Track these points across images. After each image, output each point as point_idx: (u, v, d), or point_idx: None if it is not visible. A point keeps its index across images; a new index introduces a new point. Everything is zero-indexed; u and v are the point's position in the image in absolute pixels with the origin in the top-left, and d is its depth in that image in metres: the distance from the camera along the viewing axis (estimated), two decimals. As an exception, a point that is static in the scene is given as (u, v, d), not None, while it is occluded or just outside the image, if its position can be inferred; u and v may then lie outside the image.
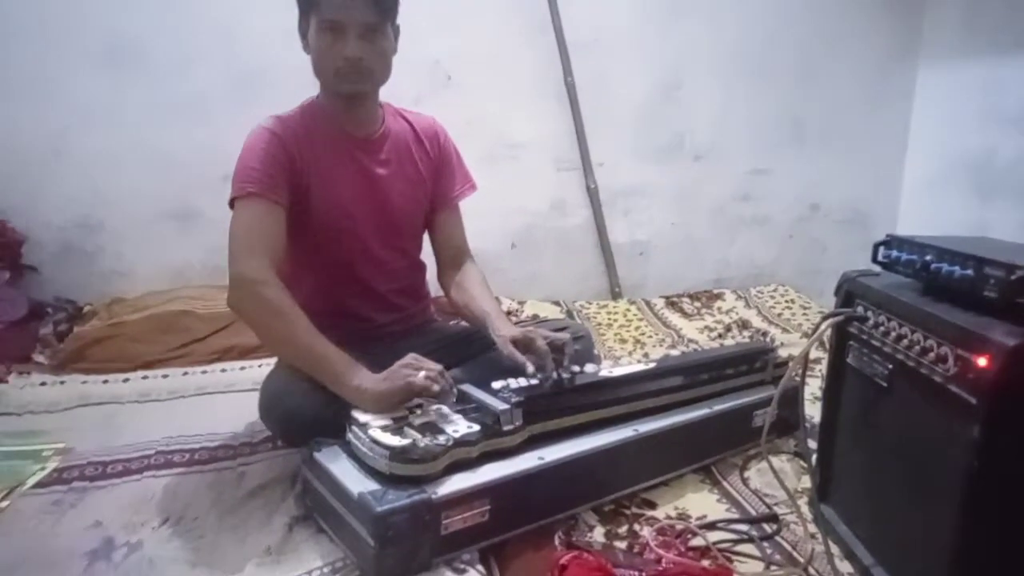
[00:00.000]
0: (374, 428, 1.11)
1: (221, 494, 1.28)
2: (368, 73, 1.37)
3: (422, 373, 1.19)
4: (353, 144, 1.46)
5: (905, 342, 1.01)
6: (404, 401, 1.20)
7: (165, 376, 1.88)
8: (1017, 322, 0.87)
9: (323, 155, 1.42)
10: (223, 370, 1.93)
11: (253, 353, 1.99)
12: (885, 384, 1.07)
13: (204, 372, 1.91)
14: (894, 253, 1.11)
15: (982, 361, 0.86)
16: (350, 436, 1.15)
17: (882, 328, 1.07)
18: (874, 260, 1.15)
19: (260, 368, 1.86)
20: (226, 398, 1.75)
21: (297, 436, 1.27)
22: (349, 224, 1.46)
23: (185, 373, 1.91)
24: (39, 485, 1.33)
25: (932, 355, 0.95)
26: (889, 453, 1.07)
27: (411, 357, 1.23)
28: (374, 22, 1.33)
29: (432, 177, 1.58)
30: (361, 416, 1.16)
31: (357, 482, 1.07)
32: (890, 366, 1.06)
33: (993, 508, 0.86)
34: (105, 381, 1.85)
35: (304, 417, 1.23)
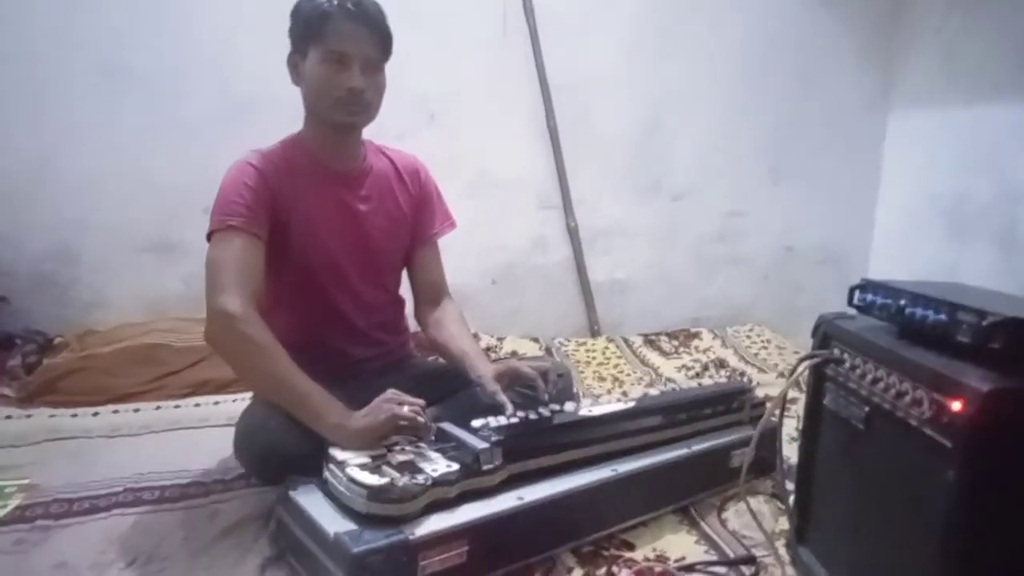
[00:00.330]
0: (351, 466, 1.10)
1: (192, 533, 1.25)
2: (366, 106, 1.40)
3: (404, 408, 1.18)
4: (335, 180, 1.47)
5: (881, 385, 1.02)
6: (384, 438, 1.18)
7: (136, 410, 1.85)
8: (990, 367, 0.88)
9: (304, 190, 1.43)
10: (197, 404, 1.89)
11: (228, 388, 1.96)
12: (862, 426, 1.08)
13: (177, 407, 1.88)
14: (869, 296, 1.13)
15: (956, 405, 0.87)
16: (327, 474, 1.14)
17: (859, 371, 1.09)
18: (850, 303, 1.17)
19: (235, 403, 1.83)
20: (199, 433, 1.72)
21: (272, 473, 1.25)
22: (329, 259, 1.46)
23: (158, 407, 1.87)
24: (0, 523, 1.29)
25: (908, 398, 0.96)
26: (867, 495, 1.08)
27: (391, 392, 1.22)
28: (377, 57, 1.38)
29: (412, 214, 1.59)
30: (339, 454, 1.14)
31: (333, 521, 1.05)
32: (867, 408, 1.07)
33: (972, 551, 0.87)
34: (74, 415, 1.80)
35: (280, 454, 1.21)
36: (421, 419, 1.19)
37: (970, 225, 2.47)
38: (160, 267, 2.28)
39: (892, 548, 1.01)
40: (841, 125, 2.90)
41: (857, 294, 1.16)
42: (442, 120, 2.47)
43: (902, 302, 1.05)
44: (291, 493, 1.14)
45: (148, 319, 2.23)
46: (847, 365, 1.12)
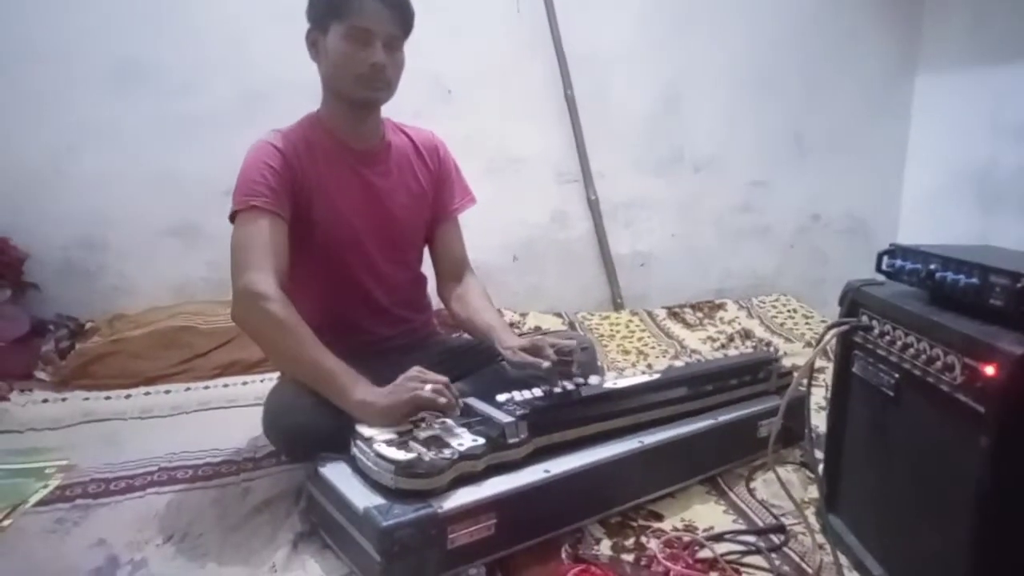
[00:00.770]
0: (379, 442, 1.11)
1: (225, 510, 1.28)
2: (387, 83, 1.40)
3: (428, 386, 1.18)
4: (355, 157, 1.47)
5: (911, 351, 1.01)
6: (409, 415, 1.19)
7: (167, 392, 1.88)
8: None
9: (325, 168, 1.43)
10: (225, 385, 1.92)
11: (256, 368, 1.98)
12: (892, 393, 1.06)
13: (206, 387, 1.91)
14: (898, 262, 1.11)
15: (989, 370, 0.85)
16: (355, 451, 1.15)
17: (888, 337, 1.07)
18: (878, 269, 1.15)
19: (263, 383, 1.86)
20: (229, 413, 1.75)
21: (301, 451, 1.27)
22: (352, 237, 1.46)
23: (187, 389, 1.90)
24: (41, 503, 1.33)
25: (939, 364, 0.95)
26: (897, 463, 1.07)
27: (416, 370, 1.22)
28: (399, 34, 1.38)
29: (432, 190, 1.59)
30: (366, 430, 1.15)
31: (362, 497, 1.06)
32: (896, 375, 1.05)
33: (1005, 517, 0.86)
34: (107, 397, 1.84)
35: (308, 432, 1.22)
36: (442, 400, 1.18)
37: (1000, 192, 2.41)
38: (184, 252, 2.31)
39: (923, 515, 1.00)
40: (867, 92, 2.83)
41: (886, 259, 1.14)
42: (459, 97, 2.45)
43: (932, 266, 1.03)
44: (320, 469, 1.16)
45: (175, 303, 2.26)
46: (876, 332, 1.10)
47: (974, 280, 0.95)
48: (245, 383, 1.93)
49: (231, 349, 2.03)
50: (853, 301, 1.17)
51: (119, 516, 1.28)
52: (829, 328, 1.17)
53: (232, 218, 1.36)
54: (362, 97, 1.39)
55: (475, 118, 2.44)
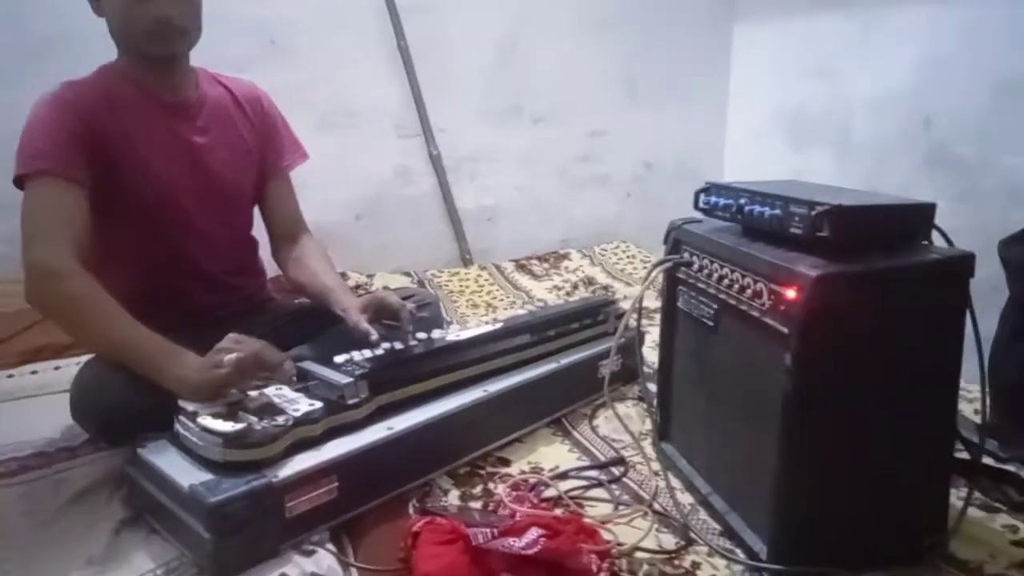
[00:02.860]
0: (204, 415, 1.03)
1: (34, 507, 1.15)
2: (182, 33, 1.27)
3: (228, 356, 1.08)
4: (165, 111, 1.34)
5: (726, 282, 1.07)
6: (225, 388, 1.10)
7: (-37, 384, 1.66)
8: (820, 255, 0.94)
9: (131, 124, 1.29)
10: (33, 372, 1.72)
11: (69, 351, 1.79)
12: (712, 324, 1.13)
13: (11, 376, 1.70)
14: (712, 199, 1.17)
15: (791, 293, 0.92)
16: (178, 427, 1.07)
17: (706, 271, 1.13)
18: (696, 207, 1.20)
19: (78, 367, 1.66)
20: (39, 402, 1.57)
21: (116, 434, 1.16)
22: (168, 198, 1.34)
23: (-12, 379, 1.69)
24: None
25: (749, 292, 1.01)
26: (718, 387, 1.14)
27: (230, 339, 1.13)
28: None
29: (258, 145, 1.49)
30: (189, 405, 1.07)
31: (188, 474, 0.99)
32: (715, 306, 1.12)
33: (807, 428, 0.94)
34: None
35: (123, 412, 1.12)
36: (259, 372, 1.11)
37: (810, 131, 2.62)
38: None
39: (740, 432, 1.07)
40: (691, 40, 2.96)
41: (702, 198, 1.19)
42: (284, 47, 2.30)
43: (742, 201, 1.09)
44: (140, 451, 1.07)
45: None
46: (696, 267, 1.16)
47: (777, 211, 1.02)
48: (57, 368, 1.74)
49: (39, 332, 1.82)
50: (675, 239, 1.23)
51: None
52: (654, 266, 1.22)
53: (19, 184, 1.20)
54: (157, 53, 1.27)
55: (304, 70, 2.30)
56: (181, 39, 1.28)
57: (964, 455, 1.13)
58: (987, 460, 1.24)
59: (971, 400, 1.42)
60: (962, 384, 1.02)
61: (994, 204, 1.90)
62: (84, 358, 1.69)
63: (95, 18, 1.29)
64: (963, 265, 0.96)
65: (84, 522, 1.09)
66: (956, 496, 1.07)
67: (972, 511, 1.10)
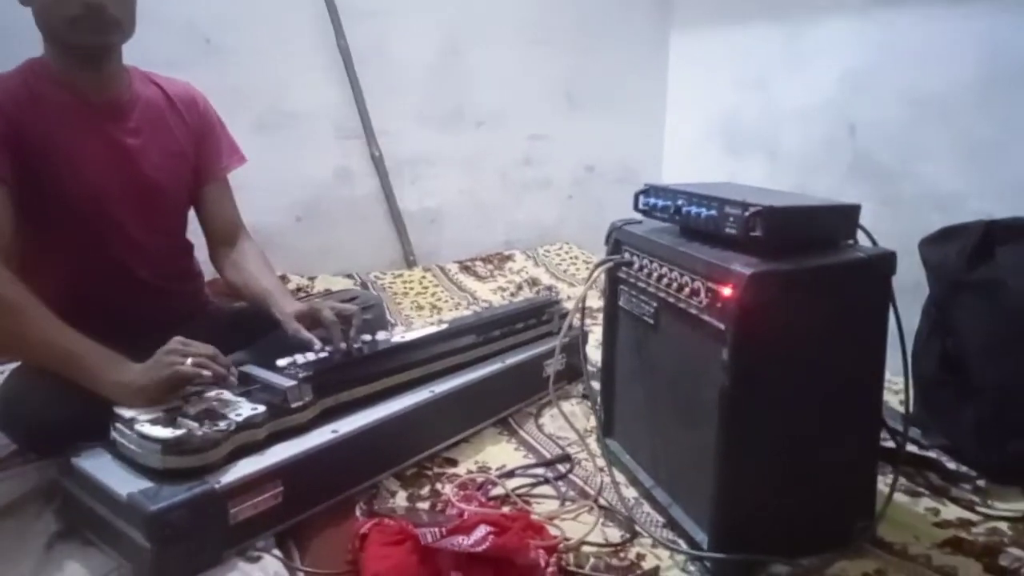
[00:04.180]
0: (142, 422, 1.01)
1: (-42, 524, 1.10)
2: (114, 23, 1.22)
3: (189, 359, 1.08)
4: (94, 111, 1.29)
5: (665, 281, 1.10)
6: (172, 392, 1.08)
7: None
8: (754, 254, 0.98)
9: (56, 124, 1.24)
10: (-45, 382, 1.64)
11: (-7, 359, 1.71)
12: (652, 321, 1.16)
13: (-71, 387, 1.62)
14: (651, 200, 1.20)
15: (727, 290, 0.96)
16: (114, 435, 1.04)
17: (646, 270, 1.16)
18: (635, 208, 1.24)
19: (2, 375, 1.61)
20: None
21: (47, 443, 1.12)
22: (97, 203, 1.29)
23: (-97, 391, 1.60)
24: None
25: (687, 290, 1.05)
26: (659, 383, 1.17)
27: (176, 341, 1.11)
28: None
29: (193, 148, 1.45)
30: (126, 411, 1.04)
31: (125, 483, 0.96)
32: (655, 304, 1.15)
33: (743, 418, 0.97)
34: None
35: (51, 421, 1.08)
36: (207, 373, 1.08)
37: (743, 138, 2.71)
38: None
39: (681, 426, 1.11)
40: (629, 49, 3.01)
41: (641, 199, 1.23)
42: (219, 46, 2.25)
43: (680, 202, 1.13)
44: (74, 460, 1.03)
45: None
46: (636, 266, 1.19)
47: (713, 212, 1.05)
48: (-19, 377, 1.66)
49: (-41, 340, 1.74)
50: (616, 240, 1.26)
51: None
52: (596, 266, 1.25)
53: None
54: (87, 43, 1.22)
55: (240, 70, 2.25)
56: (113, 30, 1.23)
57: (890, 443, 1.19)
58: (911, 448, 1.31)
59: (896, 391, 1.49)
60: (887, 376, 1.07)
61: (914, 208, 2.00)
62: (7, 367, 1.63)
63: (18, 8, 1.24)
64: (886, 263, 1.02)
65: (13, 537, 1.05)
66: (883, 483, 1.12)
67: (897, 496, 1.16)
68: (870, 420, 1.08)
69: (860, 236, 1.08)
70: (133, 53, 1.33)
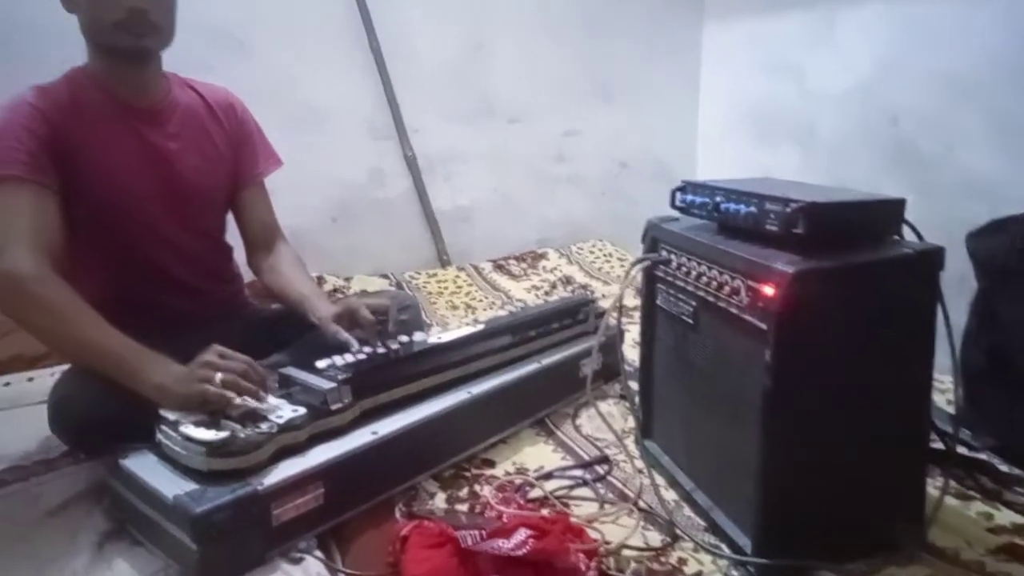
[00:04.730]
0: (186, 424, 1.02)
1: (12, 522, 1.13)
2: (154, 28, 1.25)
3: (219, 376, 1.06)
4: (134, 116, 1.32)
5: (704, 279, 1.09)
6: (213, 406, 1.07)
7: (-67, 399, 1.62)
8: (796, 251, 0.96)
9: (98, 130, 1.27)
10: (7, 384, 1.69)
11: (42, 361, 1.76)
12: (691, 321, 1.14)
13: (-18, 389, 1.67)
14: (688, 197, 1.18)
15: (768, 289, 0.94)
16: (160, 436, 1.05)
17: (684, 268, 1.15)
18: (672, 205, 1.22)
19: (52, 377, 1.63)
20: (12, 415, 1.54)
21: (96, 444, 1.14)
22: (136, 205, 1.32)
23: (-42, 393, 1.66)
24: None
25: (728, 288, 1.03)
26: (699, 384, 1.16)
27: (213, 352, 1.11)
28: None
29: (231, 152, 1.47)
30: (170, 414, 1.06)
31: (172, 484, 0.98)
32: (694, 303, 1.13)
33: (787, 420, 0.95)
34: None
35: (100, 422, 1.10)
36: (235, 398, 1.06)
37: (776, 127, 2.66)
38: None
39: (721, 428, 1.09)
40: (660, 40, 2.98)
41: (678, 196, 1.21)
42: (253, 49, 2.27)
43: (718, 199, 1.11)
44: (122, 461, 1.05)
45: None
46: (674, 264, 1.17)
47: (752, 209, 1.03)
48: (31, 379, 1.71)
49: (10, 343, 1.79)
50: (653, 238, 1.24)
51: None
52: (632, 265, 1.23)
53: None
54: (128, 46, 1.24)
55: (274, 72, 2.29)
56: (153, 34, 1.26)
57: (939, 445, 1.16)
58: (961, 449, 1.27)
59: (943, 391, 1.45)
60: (935, 375, 1.04)
61: (954, 198, 1.95)
62: (58, 369, 1.67)
63: (61, 14, 1.27)
64: (933, 259, 0.99)
65: (65, 535, 1.08)
66: (932, 486, 1.09)
67: (948, 499, 1.13)
68: (918, 421, 1.05)
69: (905, 230, 1.05)
70: (170, 56, 1.35)
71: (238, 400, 1.07)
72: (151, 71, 1.34)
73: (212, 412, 1.06)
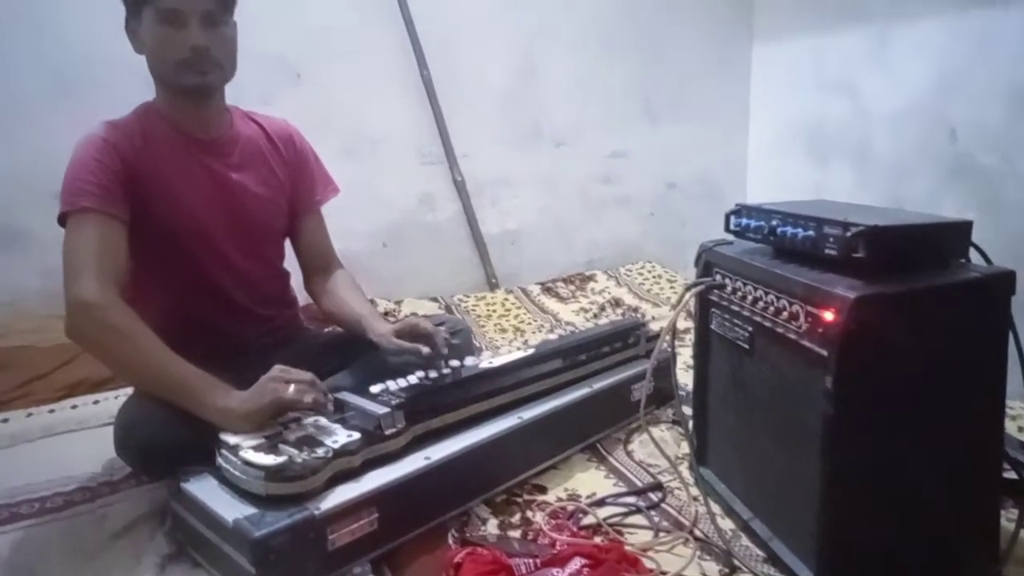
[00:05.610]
0: (245, 449, 1.04)
1: (80, 541, 1.16)
2: (216, 65, 1.30)
3: (292, 387, 1.12)
4: (199, 148, 1.37)
5: (761, 304, 1.07)
6: (274, 417, 1.13)
7: (5, 420, 1.68)
8: (856, 276, 0.94)
9: (166, 162, 1.33)
10: (74, 407, 1.75)
11: (106, 384, 1.82)
12: (747, 346, 1.12)
13: (51, 411, 1.73)
14: (744, 221, 1.16)
15: (828, 315, 0.92)
16: (220, 460, 1.08)
17: (739, 293, 1.13)
18: (727, 229, 1.20)
19: (116, 399, 1.70)
20: (79, 437, 1.59)
21: (160, 467, 1.17)
22: (201, 233, 1.36)
23: (29, 414, 1.71)
24: None
25: (785, 314, 1.01)
26: (756, 411, 1.13)
27: (277, 369, 1.16)
28: (215, 10, 1.27)
29: (290, 181, 1.51)
30: (230, 438, 1.08)
31: (231, 508, 1.00)
32: (750, 328, 1.11)
33: (850, 450, 0.93)
34: (-69, 435, 1.63)
35: (165, 446, 1.13)
36: (307, 399, 1.12)
37: (830, 145, 2.61)
38: (12, 262, 2.08)
39: (779, 456, 1.06)
40: (709, 59, 2.97)
41: (733, 219, 1.19)
42: (308, 79, 2.34)
43: (774, 223, 1.09)
44: (184, 485, 1.08)
45: (6, 320, 2.03)
46: (729, 289, 1.16)
47: (810, 232, 1.01)
48: (96, 402, 1.77)
49: (77, 366, 1.85)
50: (707, 261, 1.23)
51: (-48, 565, 1.14)
52: (687, 289, 1.22)
53: (62, 221, 1.24)
54: (192, 84, 1.29)
55: (328, 100, 2.34)
56: (216, 71, 1.31)
57: (1012, 475, 1.11)
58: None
59: (1014, 418, 1.39)
60: (1007, 402, 1.00)
61: (1018, 214, 1.88)
62: (122, 391, 1.73)
63: (129, 56, 1.33)
64: (1003, 283, 0.96)
65: (129, 556, 1.11)
66: (1006, 518, 1.04)
67: (1023, 533, 1.07)
68: (990, 450, 1.01)
69: (973, 253, 1.01)
70: (230, 88, 1.40)
71: (308, 399, 1.11)
72: (215, 105, 1.39)
73: (269, 434, 1.09)
